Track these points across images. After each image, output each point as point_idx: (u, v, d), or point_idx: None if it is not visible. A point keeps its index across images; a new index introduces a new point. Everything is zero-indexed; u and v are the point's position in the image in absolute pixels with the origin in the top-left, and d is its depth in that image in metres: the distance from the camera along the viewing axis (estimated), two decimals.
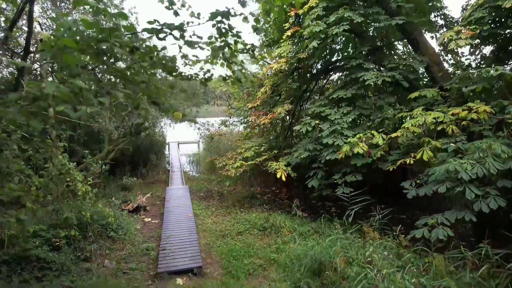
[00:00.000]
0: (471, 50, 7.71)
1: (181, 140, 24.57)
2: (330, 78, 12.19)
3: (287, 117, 10.48)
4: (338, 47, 10.91)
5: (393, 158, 6.62)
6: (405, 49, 10.45)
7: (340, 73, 10.13)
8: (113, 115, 11.12)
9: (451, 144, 5.14)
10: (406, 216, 7.71)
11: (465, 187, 4.39)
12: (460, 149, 5.06)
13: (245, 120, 11.79)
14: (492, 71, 5.03)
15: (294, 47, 9.07)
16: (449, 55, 9.01)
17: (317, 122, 7.66)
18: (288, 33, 8.45)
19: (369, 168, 8.67)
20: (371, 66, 7.58)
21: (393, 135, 6.34)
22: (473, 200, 4.34)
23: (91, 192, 7.38)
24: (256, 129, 10.45)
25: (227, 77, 3.92)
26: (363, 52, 8.10)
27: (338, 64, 9.97)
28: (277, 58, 8.70)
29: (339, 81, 10.67)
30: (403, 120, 7.13)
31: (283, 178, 7.85)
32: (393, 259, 4.57)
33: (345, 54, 10.58)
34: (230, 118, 12.98)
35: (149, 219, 9.55)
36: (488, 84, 5.59)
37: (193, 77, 3.72)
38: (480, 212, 4.30)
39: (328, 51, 10.15)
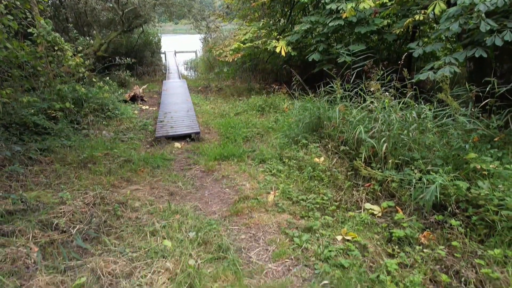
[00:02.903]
0: None
1: (178, 50, 23.67)
2: None
3: None
4: None
5: (401, 25, 6.16)
6: None
7: None
8: None
9: None
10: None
11: (480, 21, 4.03)
12: None
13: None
14: None
15: None
16: None
17: None
18: None
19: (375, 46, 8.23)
20: None
21: None
22: (486, 35, 4.02)
23: (83, 66, 7.09)
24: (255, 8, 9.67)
25: None
26: None
27: None
28: None
29: None
30: None
31: (283, 53, 7.48)
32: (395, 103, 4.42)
33: None
34: (228, 8, 12.07)
35: (147, 107, 9.43)
36: None
37: None
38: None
39: None
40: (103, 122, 6.97)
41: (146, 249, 2.87)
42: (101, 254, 2.82)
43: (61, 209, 3.33)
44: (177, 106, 8.30)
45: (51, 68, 6.71)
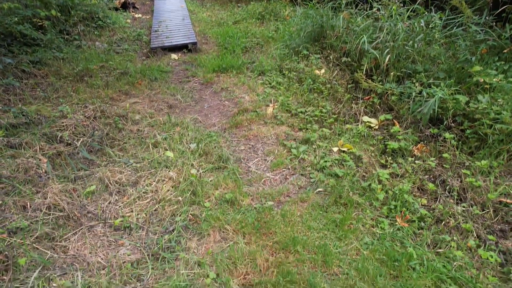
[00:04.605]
0: None
1: None
2: None
3: None
4: None
5: None
6: None
7: None
8: None
9: None
10: None
11: None
12: None
13: None
14: None
15: None
16: None
17: None
18: None
19: None
20: None
21: None
22: None
23: None
24: None
25: None
26: None
27: None
28: None
29: None
30: None
31: None
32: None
33: None
34: None
35: (140, 15, 8.82)
36: None
37: None
38: None
39: None
40: (95, 32, 6.61)
41: (149, 160, 3.00)
42: (106, 165, 2.97)
43: (63, 122, 3.38)
44: (172, 14, 7.77)
45: None
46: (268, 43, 5.98)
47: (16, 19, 5.77)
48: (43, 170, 2.82)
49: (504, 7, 3.71)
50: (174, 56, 5.82)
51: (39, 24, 6.02)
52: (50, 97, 4.09)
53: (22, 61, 4.91)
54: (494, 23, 3.92)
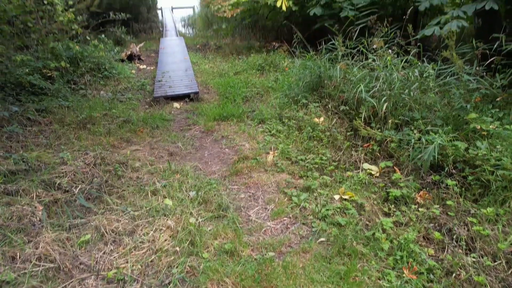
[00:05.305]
0: None
1: (175, 6, 22.70)
2: None
3: None
4: None
5: None
6: None
7: None
8: None
9: None
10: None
11: None
12: None
13: None
14: None
15: None
16: None
17: None
18: None
19: None
20: None
21: None
22: None
23: (76, 23, 6.84)
24: None
25: None
26: None
27: None
28: None
29: None
30: None
31: (284, 8, 7.17)
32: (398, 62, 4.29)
33: None
34: None
35: (144, 66, 9.22)
36: None
37: None
38: None
39: None
40: (101, 82, 6.86)
41: (147, 208, 2.94)
42: (103, 212, 2.90)
43: (62, 169, 3.37)
44: (175, 65, 8.12)
45: (42, 24, 6.48)
46: (268, 93, 6.17)
47: (27, 70, 6.03)
48: (38, 218, 2.75)
49: (493, 58, 3.88)
50: (176, 105, 5.97)
51: (48, 74, 6.27)
52: (52, 144, 4.13)
53: (28, 109, 5.03)
54: (485, 73, 4.08)
